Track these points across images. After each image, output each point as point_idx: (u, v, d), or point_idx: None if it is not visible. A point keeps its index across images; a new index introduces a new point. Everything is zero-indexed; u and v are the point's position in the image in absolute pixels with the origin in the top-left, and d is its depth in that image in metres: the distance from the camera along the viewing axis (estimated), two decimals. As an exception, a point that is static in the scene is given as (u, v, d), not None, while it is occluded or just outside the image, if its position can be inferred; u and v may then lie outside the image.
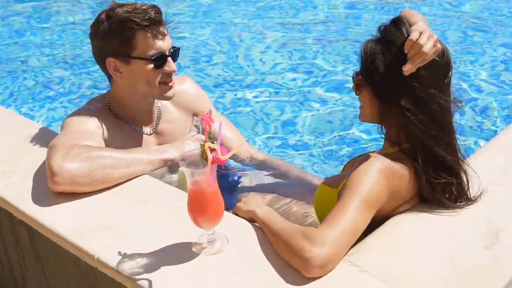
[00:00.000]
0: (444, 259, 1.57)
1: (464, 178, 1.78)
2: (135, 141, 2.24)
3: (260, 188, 2.47)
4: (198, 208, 1.57)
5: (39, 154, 2.11)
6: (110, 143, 2.13)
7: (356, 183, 1.60)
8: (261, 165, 2.59)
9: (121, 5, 2.06)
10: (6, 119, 2.52)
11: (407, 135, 1.73)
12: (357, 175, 1.62)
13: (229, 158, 2.48)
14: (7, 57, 5.12)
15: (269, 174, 2.56)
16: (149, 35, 2.05)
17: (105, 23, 2.06)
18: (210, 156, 1.47)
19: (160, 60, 2.08)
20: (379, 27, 1.75)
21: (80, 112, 2.22)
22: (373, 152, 1.83)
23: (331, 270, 1.50)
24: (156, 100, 2.30)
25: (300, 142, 3.64)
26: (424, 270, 1.54)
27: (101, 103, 2.25)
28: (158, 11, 2.07)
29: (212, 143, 1.50)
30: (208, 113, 1.52)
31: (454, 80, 1.77)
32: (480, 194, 1.79)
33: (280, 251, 1.57)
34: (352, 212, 1.54)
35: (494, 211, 1.78)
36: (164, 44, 2.09)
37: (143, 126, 2.28)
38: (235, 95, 4.26)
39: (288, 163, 2.68)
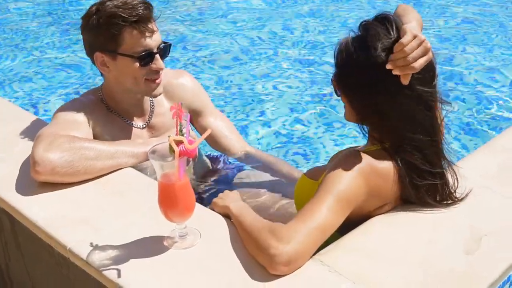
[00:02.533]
0: (419, 264, 1.52)
1: (450, 179, 1.72)
2: (127, 135, 2.23)
3: (256, 186, 2.45)
4: (168, 202, 1.55)
5: (29, 144, 2.11)
6: (100, 135, 2.13)
7: (332, 180, 1.55)
8: (257, 163, 2.56)
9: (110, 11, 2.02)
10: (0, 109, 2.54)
11: (388, 136, 1.67)
12: (334, 172, 1.57)
13: (228, 155, 2.56)
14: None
15: (265, 172, 2.53)
16: (136, 32, 2.02)
17: (94, 16, 2.05)
18: (176, 149, 1.45)
19: (146, 58, 2.05)
20: (361, 23, 1.66)
21: (71, 103, 2.23)
22: (356, 147, 1.78)
23: (297, 268, 1.46)
24: None
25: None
26: (396, 273, 1.49)
27: (94, 96, 2.25)
28: (147, 7, 2.03)
29: (182, 135, 1.48)
30: (179, 105, 1.50)
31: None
32: (467, 195, 1.73)
33: (248, 247, 1.55)
34: (323, 210, 1.49)
35: (479, 216, 1.71)
36: (152, 41, 2.06)
37: (136, 120, 2.27)
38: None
39: (285, 161, 2.64)
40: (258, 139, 3.60)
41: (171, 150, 1.47)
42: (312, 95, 4.10)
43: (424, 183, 1.66)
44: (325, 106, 3.93)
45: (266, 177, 2.49)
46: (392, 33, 1.59)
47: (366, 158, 1.61)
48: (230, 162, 2.69)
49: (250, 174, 2.55)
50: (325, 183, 1.56)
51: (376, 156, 1.65)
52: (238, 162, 2.62)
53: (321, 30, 5.38)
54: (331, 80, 1.74)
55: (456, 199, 1.72)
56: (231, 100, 4.11)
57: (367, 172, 1.59)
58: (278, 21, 5.62)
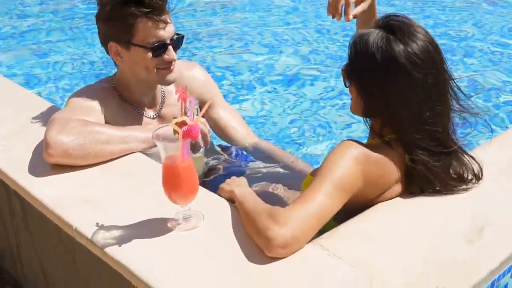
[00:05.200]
0: (419, 251, 1.52)
1: (465, 159, 1.74)
2: (137, 124, 2.26)
3: (265, 179, 2.46)
4: (172, 184, 1.57)
5: (42, 129, 2.15)
6: (111, 122, 2.16)
7: (329, 167, 1.57)
8: (266, 156, 2.58)
9: None
10: (15, 94, 2.60)
11: (394, 128, 1.69)
12: (331, 159, 1.59)
13: (237, 144, 2.58)
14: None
15: (274, 165, 2.54)
16: (150, 23, 2.05)
17: (108, 6, 2.08)
18: (180, 131, 1.48)
19: (159, 49, 2.08)
20: (383, 19, 1.69)
21: (85, 90, 2.26)
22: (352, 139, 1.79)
23: (294, 251, 1.47)
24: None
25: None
26: (394, 259, 1.50)
27: (107, 83, 2.29)
28: None
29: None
30: (184, 88, 1.52)
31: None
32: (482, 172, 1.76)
33: (248, 229, 1.57)
34: (321, 196, 1.51)
35: (482, 207, 1.71)
36: (165, 33, 2.08)
37: (147, 110, 2.31)
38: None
39: (293, 155, 2.65)
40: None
41: (175, 132, 1.50)
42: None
43: (440, 164, 1.68)
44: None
45: (275, 169, 2.51)
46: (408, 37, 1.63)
47: (361, 148, 1.63)
48: (241, 153, 2.70)
49: (260, 166, 2.56)
50: (322, 170, 1.58)
51: (376, 149, 1.66)
52: (248, 155, 2.64)
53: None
54: (342, 70, 1.76)
55: (475, 178, 1.74)
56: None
57: (363, 161, 1.60)
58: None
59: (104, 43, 2.17)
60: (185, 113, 1.52)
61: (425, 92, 1.63)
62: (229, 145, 2.71)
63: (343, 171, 1.56)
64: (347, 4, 1.90)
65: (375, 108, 1.69)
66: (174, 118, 1.49)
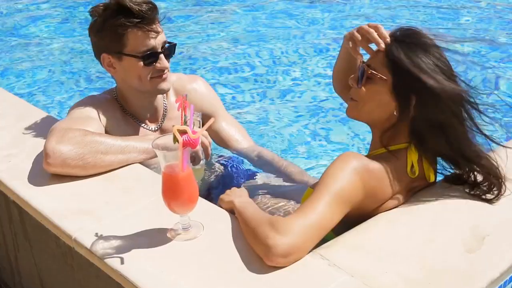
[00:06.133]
0: (419, 261, 1.51)
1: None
2: None
3: (267, 190, 2.46)
4: (172, 193, 1.57)
5: (41, 140, 2.16)
6: (112, 134, 2.15)
7: (330, 178, 1.57)
8: (269, 167, 2.58)
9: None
10: (14, 106, 2.60)
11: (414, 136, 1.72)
12: (331, 171, 1.59)
13: (239, 155, 2.58)
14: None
15: (275, 175, 2.54)
16: (140, 32, 2.06)
17: (99, 18, 2.09)
18: (180, 139, 1.48)
19: (151, 57, 2.09)
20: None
21: (86, 100, 2.27)
22: (352, 152, 1.81)
23: (294, 261, 1.47)
24: (163, 98, 2.33)
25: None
26: (394, 269, 1.48)
27: (109, 95, 2.30)
28: (152, 8, 2.06)
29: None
30: (184, 97, 1.53)
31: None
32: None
33: (248, 238, 1.56)
34: (322, 206, 1.51)
35: (482, 214, 1.70)
36: (156, 41, 2.09)
37: (148, 122, 2.31)
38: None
39: (295, 164, 2.65)
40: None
41: (175, 140, 1.50)
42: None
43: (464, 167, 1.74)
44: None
45: (278, 181, 2.50)
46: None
47: (361, 160, 1.64)
48: (239, 168, 2.70)
49: (262, 178, 2.56)
50: (322, 181, 1.58)
51: (380, 159, 1.68)
52: (250, 166, 2.64)
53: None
54: (364, 68, 1.76)
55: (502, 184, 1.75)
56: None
57: (364, 173, 1.61)
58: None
59: (97, 55, 2.18)
60: (185, 122, 1.52)
61: None
62: (230, 156, 2.71)
63: (344, 183, 1.56)
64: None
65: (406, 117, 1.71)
66: (174, 126, 1.49)
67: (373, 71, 1.72)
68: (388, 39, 1.72)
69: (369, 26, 1.77)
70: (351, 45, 1.83)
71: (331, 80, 2.16)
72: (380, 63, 1.73)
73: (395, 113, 1.71)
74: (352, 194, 1.57)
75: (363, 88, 1.75)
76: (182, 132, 1.49)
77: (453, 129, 1.68)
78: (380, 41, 1.72)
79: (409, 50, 1.69)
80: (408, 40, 1.72)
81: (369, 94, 1.75)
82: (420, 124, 1.69)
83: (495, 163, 1.75)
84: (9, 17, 6.30)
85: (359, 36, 1.78)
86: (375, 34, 1.74)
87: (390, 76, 1.70)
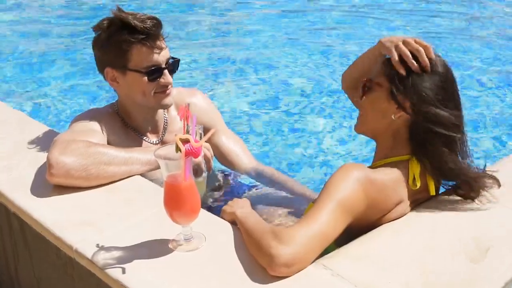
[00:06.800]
0: (422, 271, 1.50)
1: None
2: None
3: (267, 204, 2.45)
4: (174, 203, 1.56)
5: (43, 152, 2.16)
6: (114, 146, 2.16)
7: (332, 188, 1.57)
8: (268, 181, 2.57)
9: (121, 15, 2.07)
10: (15, 119, 2.60)
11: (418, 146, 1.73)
12: (333, 181, 1.59)
13: (239, 172, 2.58)
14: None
15: (276, 191, 2.53)
16: (144, 48, 2.07)
17: (104, 33, 2.10)
18: (182, 148, 1.47)
19: (155, 73, 2.10)
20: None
21: (88, 113, 2.27)
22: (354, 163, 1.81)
23: (297, 271, 1.46)
24: (163, 111, 2.33)
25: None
26: (398, 279, 1.47)
27: (111, 108, 2.30)
28: (156, 24, 2.07)
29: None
30: (187, 106, 1.53)
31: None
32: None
33: (250, 248, 1.55)
34: (324, 216, 1.51)
35: (487, 228, 1.70)
36: (160, 57, 2.10)
37: (149, 135, 2.31)
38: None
39: (294, 179, 2.64)
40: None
41: (178, 149, 1.49)
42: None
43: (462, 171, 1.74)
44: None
45: (277, 195, 2.50)
46: None
47: (363, 170, 1.64)
48: (241, 181, 2.69)
49: (261, 192, 2.55)
50: (324, 192, 1.58)
51: (383, 170, 1.70)
52: (250, 180, 2.63)
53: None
54: (371, 82, 1.79)
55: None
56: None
57: (365, 182, 1.60)
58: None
59: (101, 69, 2.19)
60: (188, 131, 1.52)
61: None
62: (231, 171, 2.70)
63: (346, 193, 1.56)
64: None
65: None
66: (176, 135, 1.49)
67: (369, 80, 1.78)
68: (433, 61, 1.71)
69: (416, 42, 1.72)
70: (384, 53, 1.80)
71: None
72: (377, 71, 1.78)
73: (393, 117, 1.72)
74: (355, 204, 1.56)
75: (364, 97, 1.80)
76: (185, 141, 1.48)
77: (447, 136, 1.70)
78: (428, 63, 1.69)
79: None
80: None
81: (370, 102, 1.79)
82: (418, 128, 1.70)
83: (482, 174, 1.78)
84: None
85: (407, 52, 1.70)
86: (424, 56, 1.69)
87: (387, 82, 1.73)
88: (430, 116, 1.67)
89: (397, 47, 1.72)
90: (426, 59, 1.69)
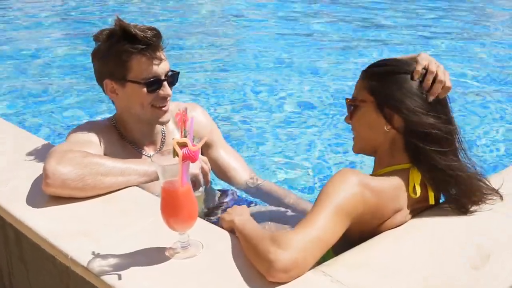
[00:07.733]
0: (421, 277, 1.48)
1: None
2: None
3: (266, 219, 2.43)
4: (171, 209, 1.55)
5: (39, 164, 2.14)
6: None
7: (329, 192, 1.55)
8: (267, 196, 2.55)
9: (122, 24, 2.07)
10: (12, 133, 2.60)
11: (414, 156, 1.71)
12: (330, 185, 1.58)
13: (238, 187, 2.56)
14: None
15: (275, 205, 2.51)
16: (144, 58, 2.06)
17: (103, 44, 2.10)
18: (180, 152, 1.46)
19: (154, 84, 2.10)
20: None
21: (85, 125, 2.27)
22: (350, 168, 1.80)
23: (295, 276, 1.43)
24: None
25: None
26: (398, 286, 1.45)
27: (108, 121, 2.30)
28: (156, 34, 2.07)
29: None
30: (185, 111, 1.52)
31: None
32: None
33: (249, 254, 1.53)
34: (323, 220, 1.49)
35: (488, 234, 1.68)
36: (159, 69, 2.10)
37: (146, 148, 2.30)
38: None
39: (294, 194, 2.62)
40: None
41: (175, 154, 1.48)
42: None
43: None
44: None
45: (277, 211, 2.48)
46: None
47: (360, 174, 1.63)
48: (239, 196, 2.68)
49: (261, 209, 2.53)
50: (321, 196, 1.56)
51: (382, 178, 1.68)
52: (248, 196, 2.62)
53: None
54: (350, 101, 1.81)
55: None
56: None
57: (362, 186, 1.59)
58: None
59: (100, 81, 2.19)
60: (185, 136, 1.51)
61: None
62: (229, 190, 2.69)
63: (343, 195, 1.54)
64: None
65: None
66: (174, 138, 1.48)
67: (353, 99, 1.79)
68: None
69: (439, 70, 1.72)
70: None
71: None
72: (358, 89, 1.79)
73: (386, 128, 1.72)
74: (353, 206, 1.55)
75: (353, 118, 1.80)
76: (182, 145, 1.47)
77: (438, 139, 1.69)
78: (436, 94, 1.70)
79: (381, 73, 1.75)
80: (377, 64, 1.80)
81: (359, 121, 1.79)
82: (411, 136, 1.69)
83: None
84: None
85: (434, 74, 1.70)
86: (439, 87, 1.70)
87: (371, 96, 1.74)
88: (417, 122, 1.67)
89: (430, 64, 1.71)
90: (439, 89, 1.69)
